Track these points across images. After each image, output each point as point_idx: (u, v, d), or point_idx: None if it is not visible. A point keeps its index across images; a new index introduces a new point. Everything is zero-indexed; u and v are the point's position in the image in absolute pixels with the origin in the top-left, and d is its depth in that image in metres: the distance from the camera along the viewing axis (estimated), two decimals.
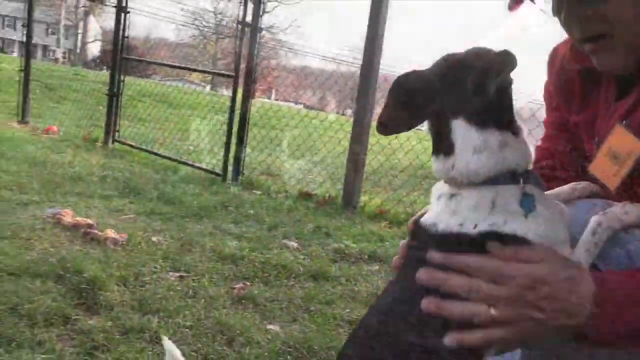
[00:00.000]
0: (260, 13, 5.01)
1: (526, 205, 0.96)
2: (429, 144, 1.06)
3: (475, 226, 0.96)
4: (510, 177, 0.97)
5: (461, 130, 0.97)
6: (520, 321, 0.92)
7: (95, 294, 2.15)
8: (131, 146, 6.18)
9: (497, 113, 0.98)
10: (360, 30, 4.86)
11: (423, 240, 1.03)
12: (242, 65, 5.01)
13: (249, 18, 4.92)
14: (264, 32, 5.16)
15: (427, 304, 0.95)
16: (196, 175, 5.09)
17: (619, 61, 1.09)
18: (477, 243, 0.96)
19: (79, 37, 44.11)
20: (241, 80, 5.04)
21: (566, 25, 1.11)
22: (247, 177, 5.12)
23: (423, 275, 0.97)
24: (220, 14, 37.27)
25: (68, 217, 3.07)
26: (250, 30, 4.92)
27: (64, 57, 42.37)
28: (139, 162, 5.46)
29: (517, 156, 0.98)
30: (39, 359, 1.69)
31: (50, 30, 46.57)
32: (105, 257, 2.57)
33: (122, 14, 6.19)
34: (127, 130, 6.85)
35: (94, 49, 42.48)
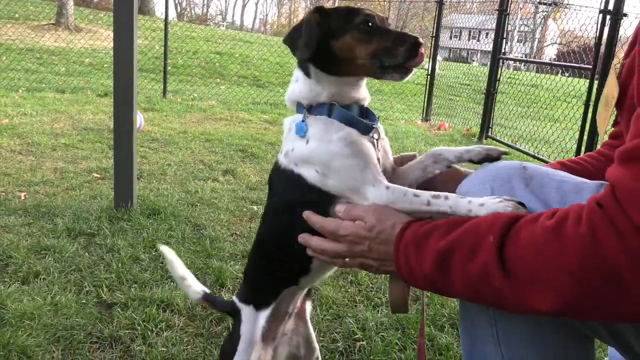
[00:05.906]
0: None
1: (297, 132, 1.13)
2: None
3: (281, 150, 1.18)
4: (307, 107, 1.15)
5: None
6: (359, 264, 1.10)
7: None
8: (502, 142, 6.42)
9: (301, 55, 1.13)
10: None
11: None
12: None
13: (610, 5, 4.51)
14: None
15: (302, 238, 1.17)
16: None
17: None
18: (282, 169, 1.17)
19: (536, 42, 45.04)
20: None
21: None
22: None
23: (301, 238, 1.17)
24: None
25: None
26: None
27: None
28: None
29: (305, 91, 1.15)
30: None
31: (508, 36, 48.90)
32: None
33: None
34: (504, 127, 7.03)
35: (550, 52, 42.69)
